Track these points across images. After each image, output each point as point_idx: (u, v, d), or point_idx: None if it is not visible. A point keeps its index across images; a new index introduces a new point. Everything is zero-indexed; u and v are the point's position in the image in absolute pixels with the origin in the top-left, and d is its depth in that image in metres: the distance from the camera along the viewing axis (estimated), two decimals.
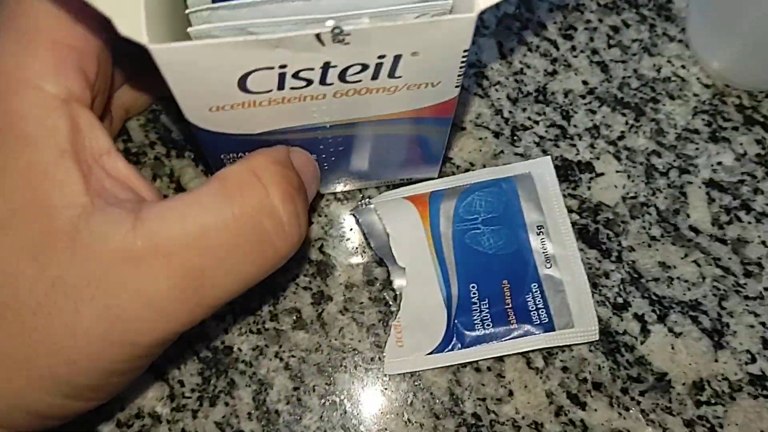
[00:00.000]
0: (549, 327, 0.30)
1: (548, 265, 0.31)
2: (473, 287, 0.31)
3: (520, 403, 0.30)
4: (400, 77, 0.22)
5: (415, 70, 0.22)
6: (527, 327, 0.30)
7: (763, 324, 0.32)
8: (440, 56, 0.22)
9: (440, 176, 0.34)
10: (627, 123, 0.35)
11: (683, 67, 0.36)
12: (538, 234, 0.32)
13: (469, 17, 0.20)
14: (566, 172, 0.34)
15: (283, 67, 0.21)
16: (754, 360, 0.31)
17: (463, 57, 0.22)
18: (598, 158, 0.34)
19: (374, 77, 0.22)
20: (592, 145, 0.34)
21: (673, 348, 0.31)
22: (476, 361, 0.31)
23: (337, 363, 0.31)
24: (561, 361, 0.31)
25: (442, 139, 0.29)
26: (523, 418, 0.30)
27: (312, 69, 0.21)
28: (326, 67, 0.21)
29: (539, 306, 0.31)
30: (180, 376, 0.31)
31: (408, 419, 0.30)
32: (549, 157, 0.33)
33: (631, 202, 0.33)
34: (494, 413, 0.30)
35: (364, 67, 0.21)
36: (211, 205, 0.21)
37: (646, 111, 0.35)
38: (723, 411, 0.30)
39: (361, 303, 0.32)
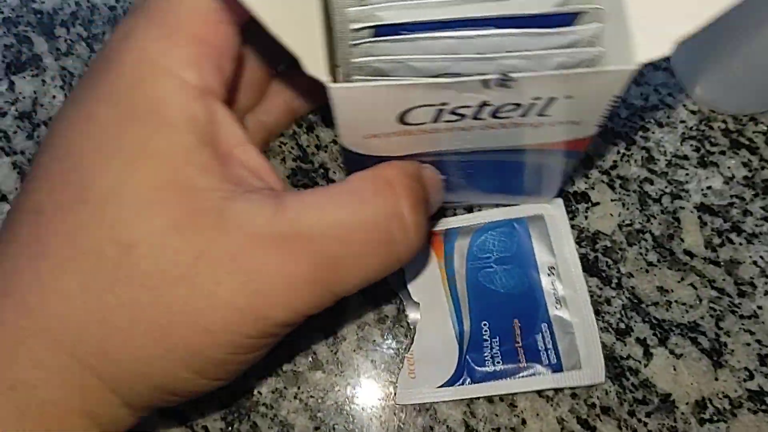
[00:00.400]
0: (557, 367, 0.32)
1: (558, 306, 0.33)
2: (485, 324, 0.33)
3: (534, 431, 0.32)
4: (548, 116, 0.24)
5: (563, 110, 0.24)
6: (536, 366, 0.32)
7: (758, 341, 0.33)
8: (591, 100, 0.23)
9: (454, 214, 0.35)
10: (619, 152, 0.36)
11: (670, 94, 0.37)
12: (549, 275, 0.33)
13: (630, 69, 0.22)
14: (564, 202, 0.35)
15: (443, 104, 0.23)
16: (752, 377, 0.33)
17: (614, 102, 0.23)
18: (593, 188, 0.36)
19: (523, 114, 0.24)
20: (586, 176, 0.36)
21: (675, 369, 0.33)
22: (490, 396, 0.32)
23: (355, 401, 0.32)
24: (570, 388, 0.32)
25: (568, 170, 0.30)
26: None
27: (469, 106, 0.23)
28: (483, 105, 0.23)
29: (548, 346, 0.32)
30: (203, 421, 0.32)
31: None
32: (561, 199, 0.34)
33: (627, 230, 0.35)
34: None
35: (518, 106, 0.23)
36: (349, 203, 0.23)
37: (636, 139, 0.36)
38: (726, 427, 0.32)
39: (374, 341, 0.33)
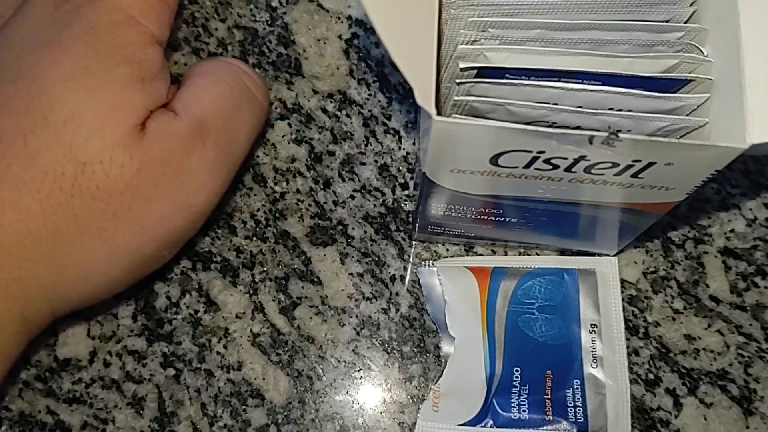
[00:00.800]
0: (583, 427, 0.31)
1: (594, 365, 0.32)
2: (517, 370, 0.32)
3: None
4: (642, 178, 0.24)
5: (659, 175, 0.24)
6: (562, 422, 0.31)
7: None
8: (691, 170, 0.23)
9: (505, 253, 0.35)
10: None
11: None
12: (591, 332, 0.33)
13: (742, 148, 0.22)
14: (587, 252, 0.35)
15: (540, 152, 0.23)
16: None
17: (713, 174, 0.23)
18: None
19: (618, 174, 0.24)
20: None
21: (705, 419, 0.33)
22: None
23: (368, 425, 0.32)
24: None
25: (642, 228, 0.30)
26: None
27: (565, 158, 0.23)
28: (579, 159, 0.23)
29: (577, 404, 0.31)
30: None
31: None
32: (616, 258, 0.34)
33: (651, 277, 0.35)
34: None
35: (615, 165, 0.23)
36: (213, 87, 0.29)
37: None
38: None
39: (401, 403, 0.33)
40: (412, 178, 0.36)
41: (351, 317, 0.34)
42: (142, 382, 0.33)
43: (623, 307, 0.34)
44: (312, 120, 0.37)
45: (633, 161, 0.23)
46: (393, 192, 0.36)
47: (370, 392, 0.33)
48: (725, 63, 0.24)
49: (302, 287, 0.34)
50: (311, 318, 0.34)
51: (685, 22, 0.26)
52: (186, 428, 0.32)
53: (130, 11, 0.26)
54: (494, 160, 0.24)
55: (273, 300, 0.34)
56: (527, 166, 0.24)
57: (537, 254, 0.35)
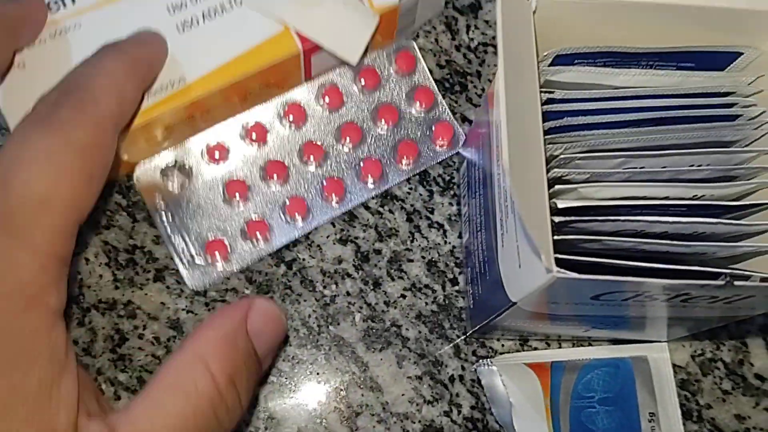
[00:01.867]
0: None
1: None
2: None
3: None
4: (730, 305, 0.25)
5: (747, 304, 0.25)
6: None
7: None
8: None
9: (560, 346, 0.35)
10: None
11: None
12: (650, 421, 0.33)
13: None
14: (638, 339, 0.35)
15: (645, 293, 0.23)
16: None
17: None
18: None
19: (713, 302, 0.25)
20: None
21: None
22: None
23: None
24: None
25: (690, 324, 0.31)
26: None
27: (668, 294, 0.24)
28: (681, 293, 0.24)
29: None
30: None
31: None
32: (666, 344, 0.35)
33: (699, 360, 0.36)
34: None
35: (713, 297, 0.24)
36: (172, 405, 0.23)
37: None
38: None
39: None
40: (461, 273, 0.36)
41: (414, 422, 0.34)
42: None
43: (676, 391, 0.35)
44: (355, 218, 0.36)
45: (734, 295, 0.24)
46: (443, 288, 0.36)
47: None
48: None
49: (362, 395, 0.34)
50: (374, 426, 0.33)
51: (753, 143, 0.27)
52: None
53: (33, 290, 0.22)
54: (596, 297, 0.24)
55: (334, 411, 0.34)
56: (626, 300, 0.25)
57: (590, 344, 0.35)
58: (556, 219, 0.24)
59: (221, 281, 0.34)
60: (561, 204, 0.24)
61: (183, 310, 0.34)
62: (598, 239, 0.25)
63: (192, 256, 0.34)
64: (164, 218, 0.35)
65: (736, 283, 0.22)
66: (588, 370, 0.34)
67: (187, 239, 0.34)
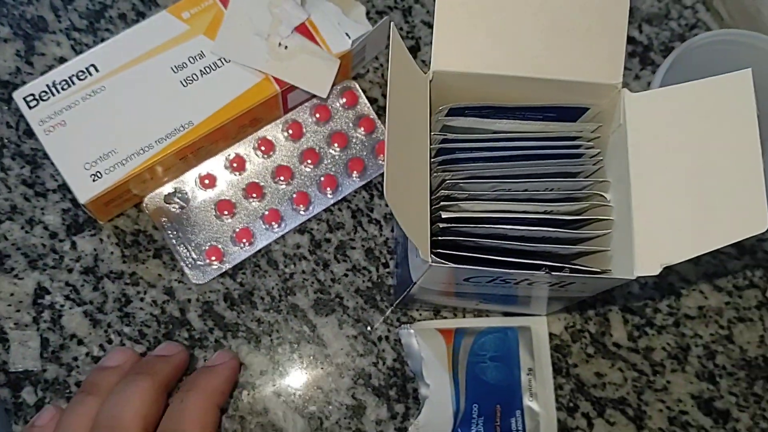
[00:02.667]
0: None
1: (531, 399, 0.44)
2: (475, 407, 0.43)
3: None
4: (566, 289, 0.36)
5: (578, 288, 0.36)
6: None
7: (668, 407, 0.46)
8: (598, 287, 0.36)
9: (464, 316, 0.46)
10: None
11: None
12: (528, 374, 0.44)
13: (631, 279, 0.33)
14: (524, 313, 0.46)
15: (499, 277, 0.34)
16: None
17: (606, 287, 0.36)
18: None
19: (551, 286, 0.36)
20: None
21: None
22: None
23: None
24: None
25: (561, 302, 0.42)
26: None
27: (514, 279, 0.34)
28: (524, 279, 0.35)
29: (519, 428, 0.43)
30: None
31: None
32: (545, 317, 0.46)
33: (571, 330, 0.46)
34: None
35: (548, 282, 0.35)
36: None
37: None
38: None
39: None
40: (391, 258, 0.46)
41: (349, 370, 0.44)
42: None
43: (550, 353, 0.46)
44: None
45: (562, 281, 0.34)
46: (377, 270, 0.46)
47: (367, 427, 0.44)
48: (621, 210, 0.35)
49: (311, 348, 0.45)
50: (318, 372, 0.44)
51: (591, 175, 0.38)
52: None
53: None
54: (467, 280, 0.35)
55: (288, 360, 0.44)
56: (489, 282, 0.35)
57: (487, 316, 0.46)
58: (442, 225, 0.35)
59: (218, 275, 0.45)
60: (445, 215, 0.35)
61: (175, 280, 0.45)
62: (474, 240, 0.35)
63: (194, 260, 0.45)
64: (170, 234, 0.45)
65: (554, 273, 0.33)
66: (483, 335, 0.45)
67: (189, 248, 0.45)
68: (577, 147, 0.37)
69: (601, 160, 0.38)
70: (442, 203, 0.35)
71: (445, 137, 0.37)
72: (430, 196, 0.35)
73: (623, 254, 0.35)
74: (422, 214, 0.33)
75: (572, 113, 0.38)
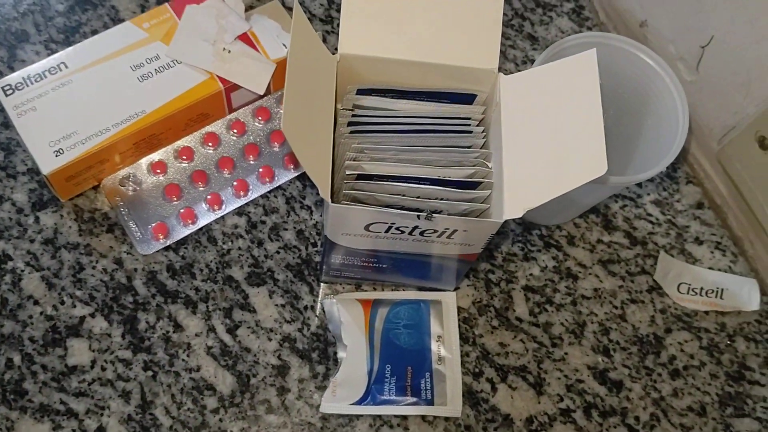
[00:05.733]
0: (430, 402, 0.48)
1: (439, 363, 0.49)
2: (388, 367, 0.48)
3: None
4: (452, 239, 0.41)
5: (462, 237, 0.41)
6: (416, 399, 0.48)
7: (566, 376, 0.50)
8: (479, 234, 0.41)
9: (382, 290, 0.51)
10: None
11: None
12: (437, 341, 0.49)
13: (500, 222, 0.39)
14: (436, 289, 0.52)
15: (392, 224, 0.40)
16: (562, 400, 0.50)
17: (491, 236, 0.41)
18: None
19: (439, 236, 0.41)
20: None
21: (512, 398, 0.50)
22: (389, 418, 0.48)
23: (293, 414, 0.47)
24: (443, 417, 0.48)
25: (462, 271, 0.48)
26: None
27: (407, 227, 0.40)
28: (415, 228, 0.40)
29: (427, 388, 0.48)
30: None
31: None
32: (455, 293, 0.51)
33: (478, 305, 0.52)
34: None
35: (435, 231, 0.41)
36: None
37: None
38: None
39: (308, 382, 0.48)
40: (319, 239, 0.52)
41: (276, 334, 0.50)
42: (129, 381, 0.47)
43: (459, 324, 0.51)
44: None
45: (445, 229, 0.41)
46: (306, 249, 0.52)
47: (290, 385, 0.48)
48: (497, 172, 0.42)
49: (242, 314, 0.50)
50: (248, 335, 0.49)
51: (481, 147, 0.44)
52: (161, 412, 0.47)
53: None
54: (366, 228, 0.41)
55: (221, 324, 0.49)
56: (386, 231, 0.41)
57: (403, 290, 0.52)
58: (348, 181, 0.41)
59: (162, 248, 0.51)
60: (348, 172, 0.41)
61: (125, 252, 0.50)
62: (375, 198, 0.41)
63: (142, 234, 0.51)
64: (122, 211, 0.51)
65: (434, 215, 0.39)
66: (398, 305, 0.50)
67: (138, 225, 0.51)
68: (469, 125, 0.44)
69: (485, 135, 0.44)
70: (346, 162, 0.42)
71: (354, 113, 0.44)
72: (340, 163, 0.42)
73: (497, 206, 0.41)
74: (323, 160, 0.39)
75: (465, 98, 0.45)
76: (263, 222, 0.52)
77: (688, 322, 0.53)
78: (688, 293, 0.54)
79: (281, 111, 0.53)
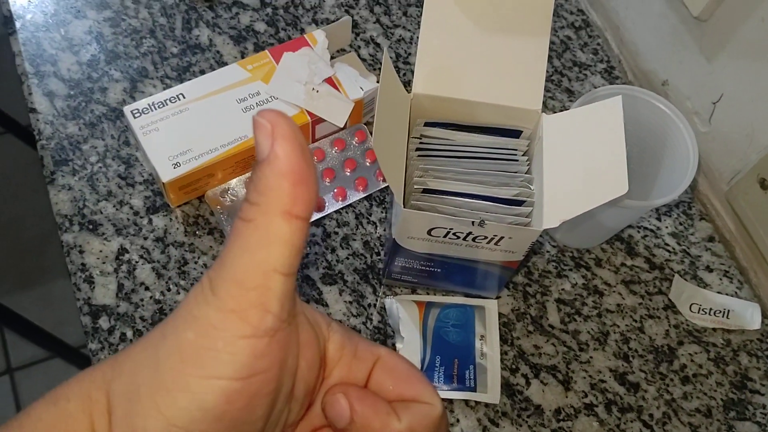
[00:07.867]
0: (473, 389, 0.56)
1: (481, 358, 0.57)
2: (438, 358, 0.57)
3: (463, 425, 0.56)
4: (499, 245, 0.50)
5: (507, 244, 0.50)
6: (461, 386, 0.56)
7: (590, 376, 0.59)
8: (522, 242, 0.50)
9: (435, 293, 0.60)
10: None
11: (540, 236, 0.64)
12: (480, 340, 0.58)
13: (541, 230, 0.48)
14: (480, 296, 0.61)
15: (450, 229, 0.49)
16: (586, 396, 0.58)
17: (533, 244, 0.50)
18: None
19: (488, 242, 0.50)
20: None
21: (543, 391, 0.58)
22: None
23: None
24: (484, 403, 0.57)
25: (504, 279, 0.57)
26: None
27: (462, 233, 0.49)
28: (468, 234, 0.49)
29: (471, 378, 0.56)
30: None
31: None
32: (496, 300, 0.60)
33: (516, 312, 0.61)
34: None
35: (485, 238, 0.49)
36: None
37: None
38: (571, 424, 0.57)
39: None
40: (382, 249, 0.62)
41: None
42: None
43: (499, 327, 0.60)
44: (327, 215, 0.63)
45: (493, 236, 0.50)
46: (371, 257, 0.62)
47: None
48: (538, 193, 0.51)
49: (316, 308, 0.59)
50: None
51: (525, 173, 0.54)
52: None
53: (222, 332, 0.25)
54: (429, 232, 0.50)
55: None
56: (445, 236, 0.51)
57: (452, 295, 0.61)
58: (415, 194, 0.51)
59: None
60: (416, 187, 0.51)
61: None
62: (434, 206, 0.51)
63: None
64: (222, 218, 0.61)
65: (486, 222, 0.48)
66: (448, 308, 0.59)
67: None
68: (515, 155, 0.54)
69: (529, 163, 0.54)
70: (415, 179, 0.52)
71: (421, 141, 0.54)
72: (410, 180, 0.52)
73: (537, 219, 0.50)
74: (398, 174, 0.49)
75: (513, 133, 0.55)
76: (336, 233, 0.62)
77: (698, 336, 0.61)
78: (698, 312, 0.62)
79: (355, 142, 0.64)
